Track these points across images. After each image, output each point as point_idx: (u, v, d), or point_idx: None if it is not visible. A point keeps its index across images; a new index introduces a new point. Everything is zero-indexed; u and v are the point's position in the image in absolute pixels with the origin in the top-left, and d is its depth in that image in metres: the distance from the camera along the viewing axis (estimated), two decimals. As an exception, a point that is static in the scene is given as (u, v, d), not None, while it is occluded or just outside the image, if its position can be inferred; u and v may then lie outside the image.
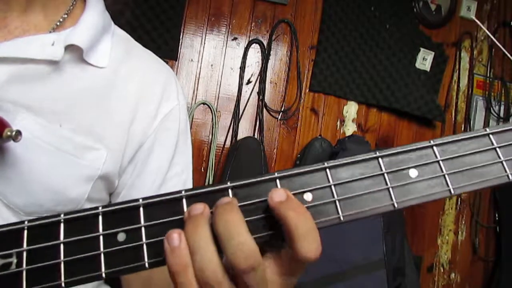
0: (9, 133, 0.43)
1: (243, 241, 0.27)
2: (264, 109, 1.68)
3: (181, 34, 1.59)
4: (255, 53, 1.68)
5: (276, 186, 0.31)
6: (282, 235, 0.30)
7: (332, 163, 0.31)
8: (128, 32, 0.65)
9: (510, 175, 0.30)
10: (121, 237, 0.30)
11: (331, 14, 1.72)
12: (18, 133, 0.44)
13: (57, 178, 0.51)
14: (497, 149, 0.31)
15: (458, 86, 1.97)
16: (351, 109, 1.79)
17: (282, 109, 1.70)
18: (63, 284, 0.29)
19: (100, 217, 0.30)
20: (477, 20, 1.58)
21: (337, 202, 0.30)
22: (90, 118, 0.54)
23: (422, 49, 1.84)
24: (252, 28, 1.68)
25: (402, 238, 1.59)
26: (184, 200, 0.30)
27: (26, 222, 0.29)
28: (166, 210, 0.30)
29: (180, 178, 0.64)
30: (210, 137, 1.62)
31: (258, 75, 1.67)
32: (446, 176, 0.31)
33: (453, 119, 1.95)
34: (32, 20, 0.52)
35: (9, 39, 0.49)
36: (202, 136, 1.62)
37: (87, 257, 0.29)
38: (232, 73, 1.66)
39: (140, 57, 0.63)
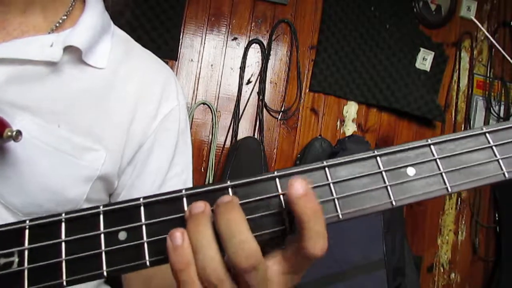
0: (9, 133, 0.43)
1: (244, 239, 0.27)
2: (264, 109, 1.68)
3: (181, 34, 1.60)
4: (255, 53, 1.69)
5: (276, 185, 0.31)
6: (282, 233, 0.30)
7: (331, 161, 0.31)
8: (128, 32, 0.65)
9: (506, 173, 0.30)
10: (122, 235, 0.30)
11: (331, 14, 1.72)
12: (19, 133, 0.44)
13: (55, 178, 0.51)
14: (494, 147, 0.31)
15: (458, 86, 1.97)
16: (351, 109, 1.79)
17: (282, 109, 1.70)
18: (64, 283, 0.29)
19: (101, 216, 0.30)
20: (476, 21, 1.58)
21: (336, 200, 0.31)
22: (89, 119, 0.54)
23: (422, 49, 1.84)
24: (252, 28, 1.68)
25: (402, 238, 1.59)
26: (184, 199, 0.31)
27: (27, 221, 0.29)
28: (167, 209, 0.30)
29: (180, 178, 0.64)
30: (210, 137, 1.62)
31: (258, 75, 1.68)
32: (443, 174, 0.31)
33: (453, 119, 1.96)
34: (31, 21, 0.52)
35: (7, 40, 0.49)
36: (202, 136, 1.63)
37: (89, 256, 0.29)
38: (232, 73, 1.66)
39: (139, 57, 0.63)
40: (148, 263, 0.30)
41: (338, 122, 1.78)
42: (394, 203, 0.30)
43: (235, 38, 1.67)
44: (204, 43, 1.63)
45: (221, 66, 1.65)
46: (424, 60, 1.85)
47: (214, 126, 1.62)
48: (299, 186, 0.28)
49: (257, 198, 0.31)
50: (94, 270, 0.29)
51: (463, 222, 1.98)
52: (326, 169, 0.31)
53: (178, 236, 0.28)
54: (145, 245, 0.30)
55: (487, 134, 0.32)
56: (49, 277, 0.29)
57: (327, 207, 0.31)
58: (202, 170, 1.62)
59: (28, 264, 0.29)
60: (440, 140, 0.32)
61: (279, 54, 1.71)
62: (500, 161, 0.31)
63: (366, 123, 1.82)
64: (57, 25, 0.54)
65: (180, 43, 1.60)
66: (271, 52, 1.69)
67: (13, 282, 0.28)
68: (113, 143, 0.56)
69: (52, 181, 0.51)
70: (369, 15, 1.76)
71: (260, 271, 0.28)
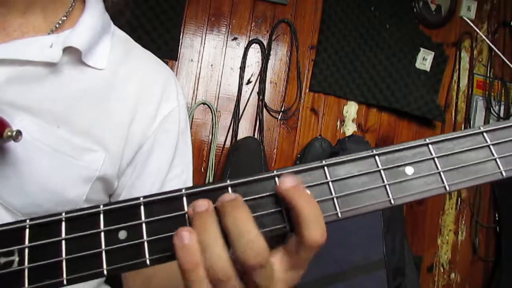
0: (9, 133, 0.43)
1: (252, 238, 0.28)
2: (264, 109, 1.68)
3: (181, 34, 1.60)
4: (255, 53, 1.69)
5: (275, 183, 0.31)
6: (283, 231, 0.30)
7: (330, 161, 0.31)
8: (128, 32, 0.65)
9: (503, 172, 0.31)
10: (122, 234, 0.30)
11: (331, 14, 1.72)
12: (19, 133, 0.44)
13: (55, 179, 0.51)
14: (491, 146, 0.32)
15: (458, 86, 1.97)
16: (351, 109, 1.79)
17: (282, 109, 1.70)
18: (65, 281, 0.29)
19: (101, 215, 0.30)
20: (472, 24, 1.58)
21: (335, 199, 0.31)
22: (89, 120, 0.54)
23: (422, 49, 1.84)
24: (252, 28, 1.68)
25: (402, 238, 1.59)
26: (184, 198, 0.31)
27: (27, 221, 0.30)
28: (167, 208, 0.31)
29: (180, 179, 0.64)
30: (210, 137, 1.63)
31: (258, 75, 1.68)
32: (442, 173, 0.31)
33: (453, 119, 1.96)
34: (31, 22, 0.52)
35: (7, 41, 0.50)
36: (202, 136, 1.63)
37: (89, 255, 0.29)
38: (232, 73, 1.66)
39: (139, 58, 0.63)
40: (148, 262, 0.30)
41: (338, 122, 1.78)
42: (392, 201, 0.31)
43: (235, 38, 1.67)
44: (204, 43, 1.63)
45: (221, 66, 1.65)
46: (424, 60, 1.85)
47: (214, 126, 1.62)
48: (287, 179, 0.30)
49: (256, 196, 0.31)
50: (94, 269, 0.29)
51: (463, 222, 1.98)
52: (325, 168, 0.31)
53: (186, 235, 0.28)
54: (145, 244, 0.30)
55: (484, 134, 0.32)
56: (50, 276, 0.29)
57: (326, 206, 0.31)
58: (202, 170, 1.62)
59: (29, 263, 0.29)
60: (438, 139, 0.32)
61: (279, 54, 1.71)
62: (497, 160, 0.31)
63: (366, 123, 1.82)
64: (57, 25, 0.54)
65: (180, 43, 1.60)
66: (271, 52, 1.69)
67: (14, 281, 0.29)
68: (112, 143, 0.56)
69: (51, 181, 0.51)
70: (369, 15, 1.76)
71: (268, 268, 0.28)
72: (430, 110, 1.80)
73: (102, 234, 0.30)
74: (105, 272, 0.29)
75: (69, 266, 0.29)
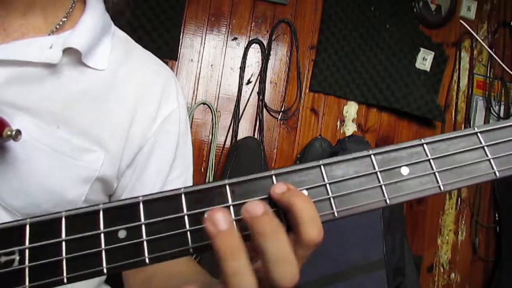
0: (9, 133, 0.44)
1: (291, 267, 0.29)
2: (264, 109, 1.68)
3: (181, 34, 1.60)
4: (255, 53, 1.69)
5: (273, 183, 0.31)
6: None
7: (326, 161, 0.32)
8: (128, 32, 0.65)
9: (497, 172, 0.31)
10: (121, 234, 0.30)
11: (331, 14, 1.72)
12: (18, 132, 0.44)
13: (54, 179, 0.51)
14: (485, 147, 0.32)
15: (458, 86, 1.97)
16: (351, 109, 1.79)
17: (282, 109, 1.70)
18: (65, 280, 0.29)
19: (101, 215, 0.30)
20: (468, 27, 1.58)
21: (331, 199, 0.31)
22: (88, 120, 0.54)
23: (422, 49, 1.85)
24: (252, 28, 1.68)
25: (402, 238, 1.59)
26: (183, 197, 0.31)
27: (28, 220, 0.30)
28: (166, 207, 0.31)
29: (180, 180, 0.64)
30: (210, 137, 1.63)
31: (258, 75, 1.68)
32: (436, 173, 0.32)
33: (453, 119, 1.96)
34: (31, 23, 0.53)
35: (7, 42, 0.50)
36: (202, 136, 1.63)
37: (89, 254, 0.30)
38: (232, 73, 1.66)
39: (139, 58, 0.63)
40: (147, 261, 0.30)
41: (338, 122, 1.78)
42: (388, 201, 0.31)
43: (235, 38, 1.67)
44: (204, 43, 1.64)
45: (221, 66, 1.65)
46: (424, 60, 1.85)
47: (214, 126, 1.62)
48: (280, 185, 0.31)
49: (254, 197, 0.31)
50: (94, 267, 0.29)
51: (463, 222, 1.98)
52: (322, 168, 0.32)
53: (221, 218, 0.28)
54: (145, 243, 0.30)
55: (479, 134, 0.33)
56: (50, 275, 0.29)
57: (323, 205, 0.31)
58: (202, 170, 1.63)
59: (29, 262, 0.29)
60: (433, 140, 0.33)
61: (279, 54, 1.71)
62: (491, 160, 0.32)
63: (366, 123, 1.82)
64: (57, 26, 0.54)
65: (180, 43, 1.60)
66: (271, 52, 1.69)
67: (14, 280, 0.29)
68: (112, 144, 0.56)
69: (51, 181, 0.51)
70: (369, 15, 1.76)
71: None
72: (430, 110, 1.80)
73: (102, 233, 0.30)
74: (104, 270, 0.30)
75: (69, 265, 0.29)
